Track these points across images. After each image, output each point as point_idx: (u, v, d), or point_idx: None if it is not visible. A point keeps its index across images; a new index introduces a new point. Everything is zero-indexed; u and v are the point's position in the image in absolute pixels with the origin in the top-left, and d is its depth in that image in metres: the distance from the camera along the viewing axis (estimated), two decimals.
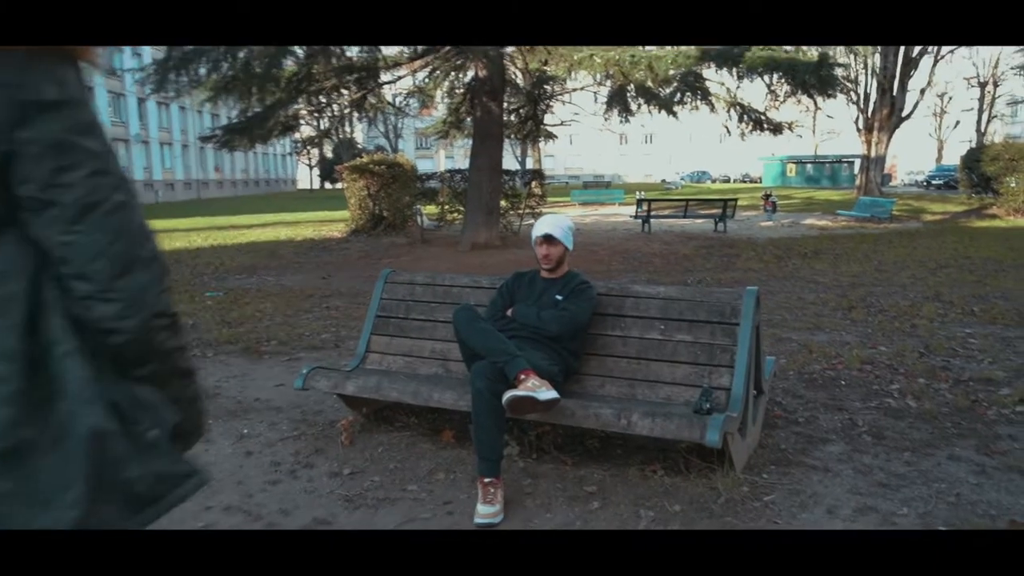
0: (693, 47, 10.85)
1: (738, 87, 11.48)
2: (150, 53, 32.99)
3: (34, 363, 1.00)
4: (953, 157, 60.83)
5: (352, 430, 4.04)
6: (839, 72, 12.07)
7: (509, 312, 3.71)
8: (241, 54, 12.04)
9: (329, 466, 3.74)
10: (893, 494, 3.38)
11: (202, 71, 12.16)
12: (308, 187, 71.28)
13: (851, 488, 3.45)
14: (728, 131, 13.12)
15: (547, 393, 3.16)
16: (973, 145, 32.82)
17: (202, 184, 56.69)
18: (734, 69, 10.81)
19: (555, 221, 3.83)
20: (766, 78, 11.01)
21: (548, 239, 3.75)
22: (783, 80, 10.96)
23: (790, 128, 13.22)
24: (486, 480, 3.15)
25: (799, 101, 11.52)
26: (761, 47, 10.47)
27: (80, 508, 0.98)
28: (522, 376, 3.19)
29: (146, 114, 49.20)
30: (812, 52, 10.84)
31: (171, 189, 51.91)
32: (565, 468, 3.61)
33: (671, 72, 10.84)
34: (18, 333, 0.99)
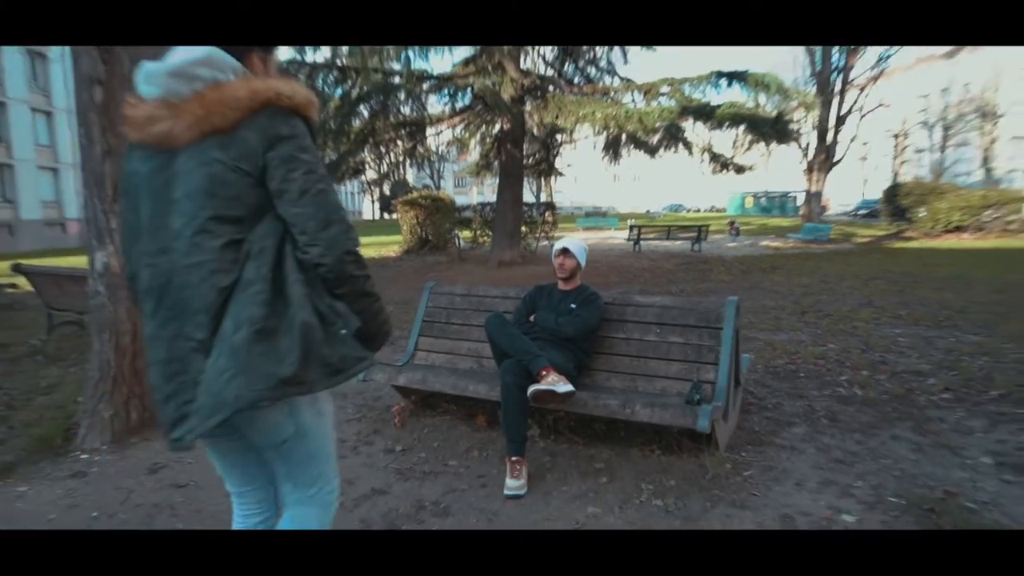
0: (676, 104, 10.68)
1: (711, 137, 11.26)
2: None
3: (278, 285, 1.37)
4: (874, 192, 60.65)
5: (403, 414, 3.87)
6: (793, 126, 11.78)
7: (532, 318, 3.53)
8: (320, 115, 11.98)
9: (385, 444, 3.57)
10: (848, 469, 3.16)
11: None
12: (371, 218, 71.94)
13: (814, 464, 3.22)
14: (702, 171, 12.89)
15: (564, 386, 2.97)
16: (889, 184, 32.23)
17: None
18: (708, 122, 10.61)
19: (573, 240, 3.68)
20: (733, 129, 10.80)
21: (565, 252, 3.59)
22: (747, 131, 10.73)
23: (750, 169, 12.97)
24: (513, 459, 2.97)
25: (762, 147, 11.22)
26: (730, 104, 10.29)
27: (296, 367, 1.32)
28: (543, 372, 3.00)
29: None
30: (772, 111, 10.62)
31: None
32: (578, 447, 3.41)
33: (657, 124, 10.66)
34: (269, 268, 1.37)
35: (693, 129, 12.00)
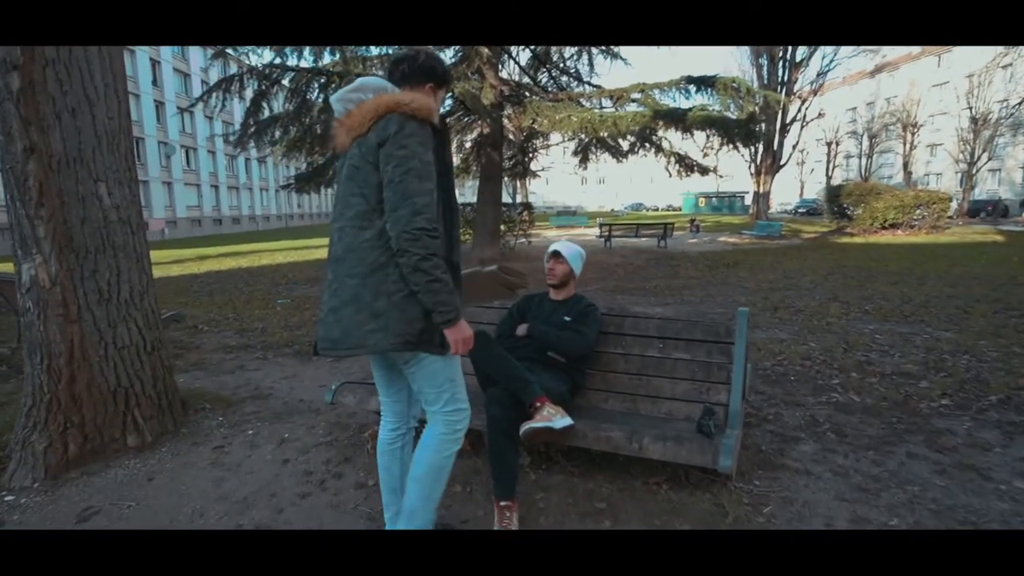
0: (647, 109, 9.98)
1: (683, 139, 10.56)
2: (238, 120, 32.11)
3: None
4: (811, 193, 61.25)
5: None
6: (758, 128, 11.17)
7: (520, 330, 2.79)
8: (306, 120, 11.04)
9: (356, 476, 2.80)
10: (875, 500, 2.50)
11: (276, 133, 11.17)
12: None
13: (836, 494, 2.55)
14: (669, 173, 12.24)
15: (562, 421, 2.25)
16: (827, 185, 32.08)
17: (288, 217, 55.51)
18: (680, 125, 9.91)
19: (567, 244, 2.94)
20: (703, 132, 10.13)
21: (556, 255, 2.87)
22: (718, 134, 10.06)
23: (714, 171, 12.35)
24: (502, 503, 2.23)
25: (732, 149, 10.57)
26: (702, 108, 9.62)
27: (418, 331, 1.71)
28: (537, 404, 2.27)
29: (251, 169, 48.00)
30: (738, 114, 9.97)
31: (267, 221, 50.81)
32: (573, 479, 2.68)
33: (631, 128, 9.95)
34: (375, 238, 1.68)
35: (664, 134, 11.31)
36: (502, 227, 14.90)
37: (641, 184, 75.59)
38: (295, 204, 57.74)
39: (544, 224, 32.43)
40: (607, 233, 17.22)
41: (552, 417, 2.23)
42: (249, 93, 10.55)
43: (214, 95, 9.97)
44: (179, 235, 35.03)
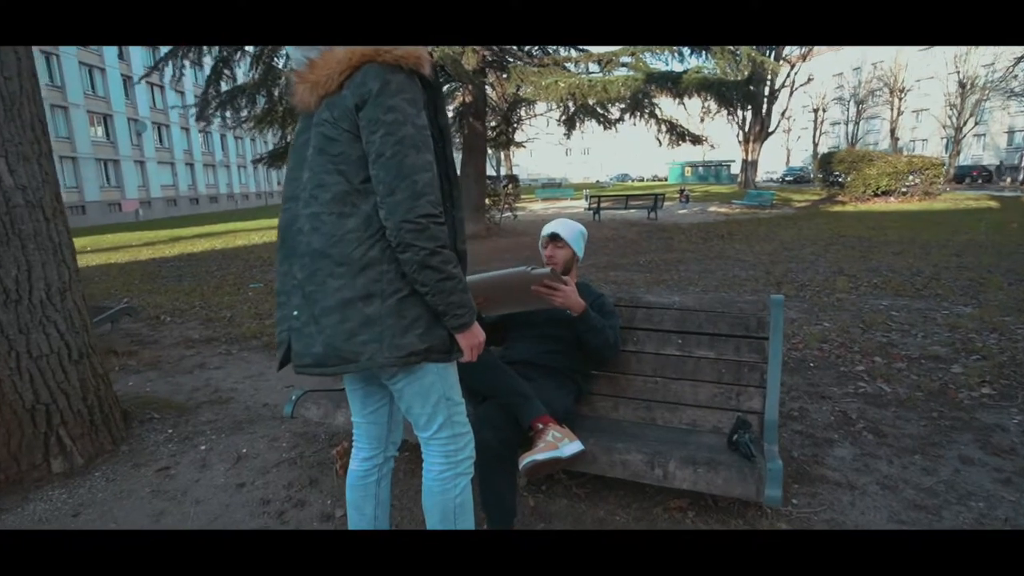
0: (639, 74, 9.40)
1: (677, 104, 10.00)
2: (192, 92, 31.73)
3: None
4: (796, 160, 60.94)
5: (348, 458, 2.65)
6: (755, 89, 10.65)
7: (501, 351, 2.33)
8: (274, 90, 10.32)
9: (321, 505, 2.35)
10: (937, 521, 2.12)
11: (243, 105, 10.44)
12: None
13: (891, 514, 2.16)
14: (660, 142, 11.70)
15: (571, 447, 1.81)
16: (808, 153, 31.69)
17: (268, 195, 54.09)
18: (674, 89, 9.34)
19: (564, 222, 2.42)
20: (698, 97, 9.58)
21: (554, 239, 2.37)
22: (713, 98, 9.51)
23: (705, 140, 11.82)
24: None
25: (729, 114, 10.06)
26: (697, 70, 9.06)
27: (420, 341, 1.34)
28: (539, 425, 1.83)
29: (227, 145, 46.45)
30: (742, 73, 9.43)
31: (247, 199, 49.44)
32: (580, 506, 2.25)
33: (621, 93, 9.37)
34: (362, 227, 1.31)
35: (657, 100, 10.73)
36: (487, 201, 14.33)
37: (626, 154, 74.74)
38: (274, 181, 56.27)
39: (530, 197, 31.77)
40: (596, 205, 16.70)
41: (559, 443, 1.79)
42: (209, 61, 9.78)
43: (170, 63, 9.20)
44: (155, 215, 33.86)
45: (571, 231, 2.37)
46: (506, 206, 15.88)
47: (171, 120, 37.29)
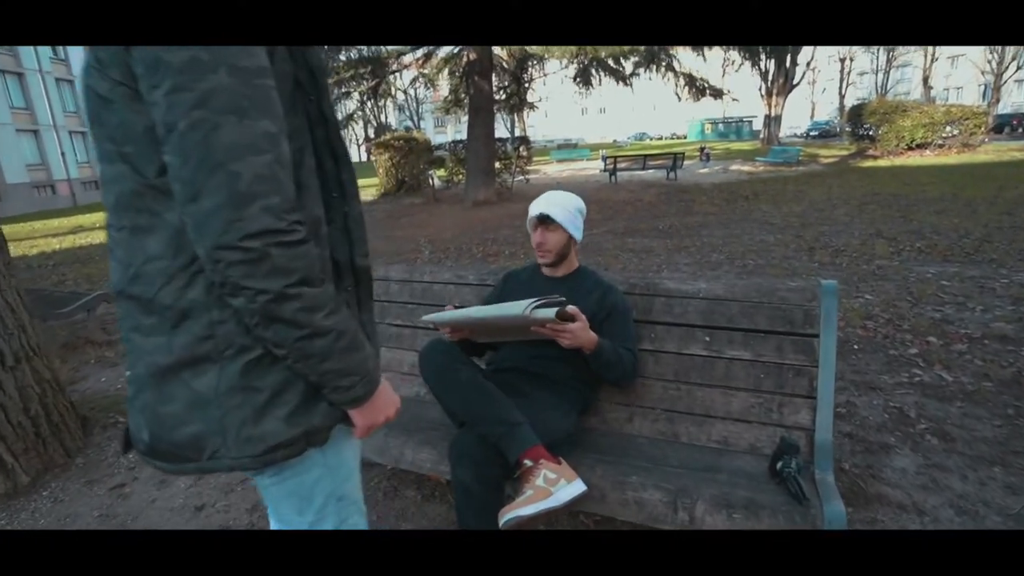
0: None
1: (699, 55, 9.24)
2: None
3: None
4: (821, 115, 58.43)
5: None
6: None
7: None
8: None
9: None
10: None
11: None
12: (357, 160, 68.11)
13: None
14: (679, 97, 10.94)
15: (569, 489, 1.41)
16: (835, 106, 30.16)
17: None
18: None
19: (555, 198, 1.92)
20: (721, 50, 8.84)
21: (543, 221, 1.88)
22: (735, 48, 8.76)
23: (728, 93, 11.03)
24: None
25: (753, 66, 9.30)
26: None
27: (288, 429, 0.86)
28: (526, 460, 1.43)
29: None
30: None
31: None
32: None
33: (635, 45, 8.68)
34: (170, 253, 0.80)
35: (674, 51, 9.96)
36: (497, 165, 13.77)
37: (644, 113, 72.56)
38: None
39: (544, 159, 30.93)
40: (612, 166, 15.98)
41: (552, 487, 1.39)
42: None
43: None
44: None
45: (565, 210, 1.90)
46: (517, 169, 15.28)
47: None
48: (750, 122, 51.83)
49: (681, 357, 1.97)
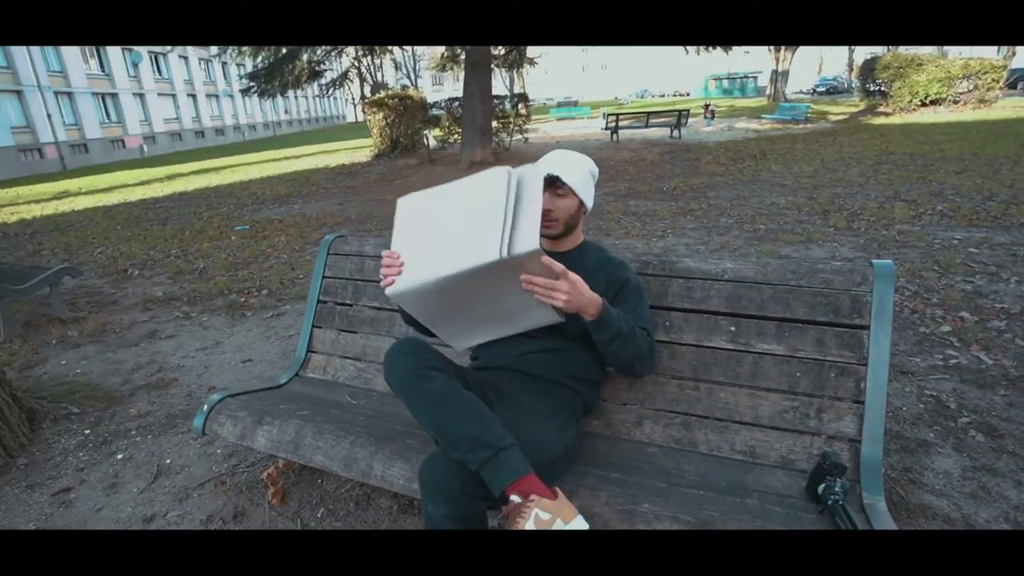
0: None
1: None
2: None
3: None
4: (829, 71, 56.62)
5: (283, 481, 2.03)
6: None
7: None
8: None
9: None
10: None
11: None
12: (354, 120, 66.40)
13: None
14: (686, 50, 10.36)
15: (570, 525, 1.12)
16: (844, 61, 28.91)
17: (276, 124, 52.37)
18: None
19: (566, 158, 1.58)
20: None
21: (551, 183, 1.53)
22: None
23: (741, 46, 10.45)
24: None
25: None
26: None
27: None
28: (513, 497, 1.14)
29: (228, 74, 44.41)
30: None
31: (253, 130, 47.79)
32: None
33: None
34: None
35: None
36: (494, 123, 13.21)
37: (646, 69, 70.56)
38: (281, 110, 54.49)
39: (543, 117, 30.08)
40: (614, 124, 15.39)
41: (551, 527, 1.10)
42: None
43: None
44: (160, 151, 32.86)
45: (577, 171, 1.56)
46: (516, 128, 14.70)
47: (165, 48, 35.51)
48: (755, 78, 50.40)
49: (701, 350, 1.66)
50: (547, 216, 1.57)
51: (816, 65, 60.24)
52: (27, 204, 12.09)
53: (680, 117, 14.52)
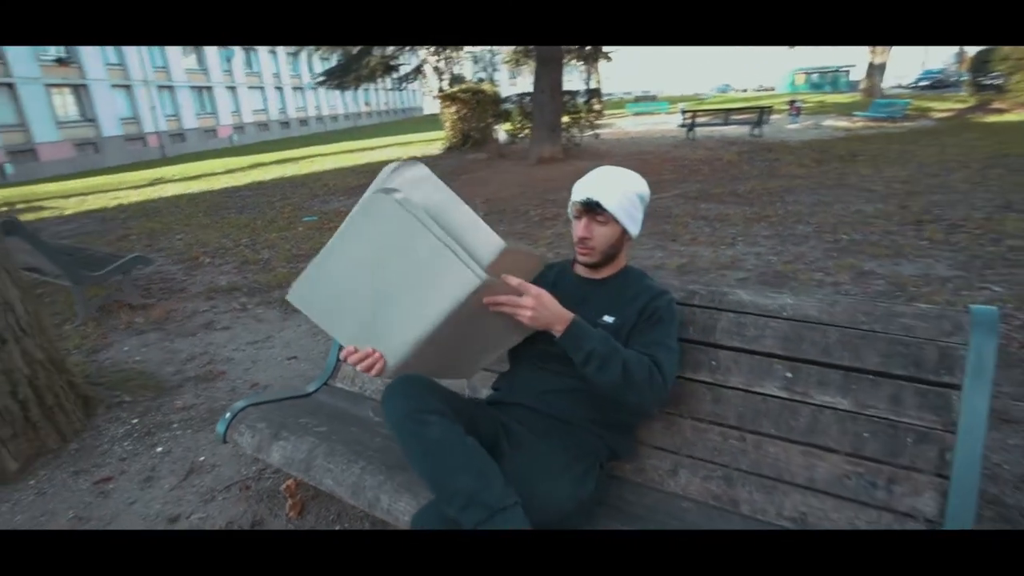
0: None
1: None
2: None
3: None
4: (934, 63, 52.02)
5: (301, 494, 1.98)
6: None
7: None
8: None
9: None
10: None
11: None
12: (432, 112, 67.74)
13: None
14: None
15: None
16: (953, 52, 26.28)
17: (356, 116, 54.20)
18: None
19: (609, 178, 1.40)
20: None
21: (590, 208, 1.39)
22: None
23: None
24: None
25: None
26: None
27: None
28: None
29: (314, 67, 46.33)
30: None
31: (335, 121, 49.75)
32: None
33: None
34: None
35: None
36: (565, 119, 12.97)
37: (727, 63, 67.58)
38: (362, 102, 56.31)
39: (619, 112, 29.39)
40: (690, 120, 14.74)
41: None
42: None
43: None
44: (247, 140, 34.82)
45: (618, 194, 1.38)
46: (587, 124, 14.38)
47: (257, 45, 37.41)
48: (848, 72, 47.14)
49: (750, 396, 1.45)
50: (584, 244, 1.42)
51: (920, 56, 55.60)
52: (127, 190, 13.06)
53: (762, 114, 13.70)
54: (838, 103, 25.35)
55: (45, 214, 10.10)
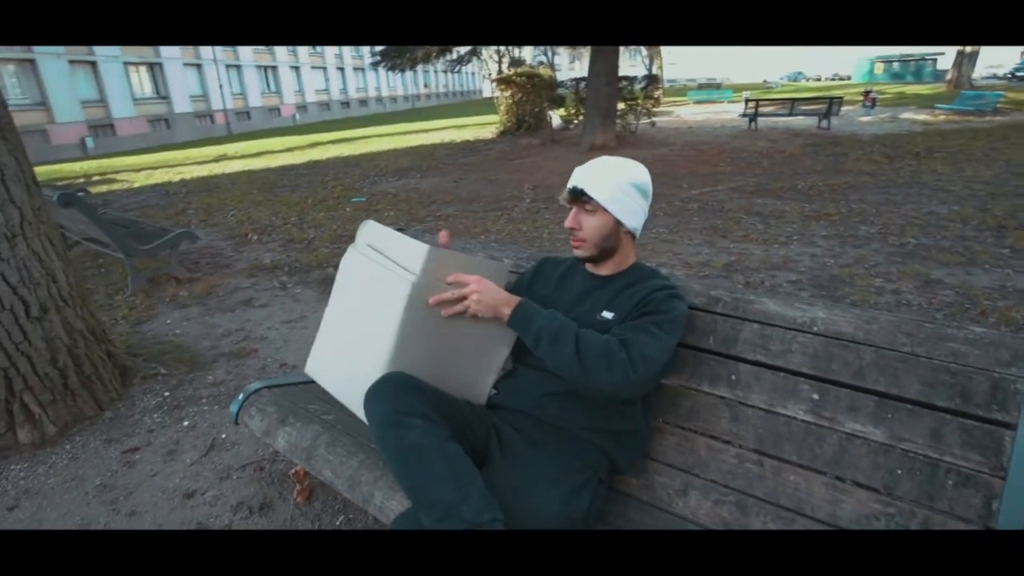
0: None
1: None
2: None
3: None
4: None
5: (309, 480, 1.98)
6: None
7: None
8: None
9: None
10: None
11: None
12: (489, 95, 67.67)
13: None
14: None
15: None
16: None
17: (415, 97, 54.81)
18: None
19: (599, 166, 1.32)
20: None
21: (576, 197, 1.31)
22: None
23: None
24: None
25: None
26: None
27: None
28: None
29: (374, 48, 47.15)
30: None
31: (394, 102, 50.50)
32: None
33: None
34: None
35: None
36: (621, 105, 12.64)
37: (800, 50, 64.24)
38: (421, 84, 56.82)
39: (680, 99, 28.50)
40: (752, 110, 14.07)
41: None
42: None
43: None
44: (309, 119, 35.80)
45: (609, 183, 1.29)
46: (644, 111, 13.97)
47: None
48: (934, 60, 43.88)
49: (771, 417, 1.33)
50: (573, 235, 1.35)
51: (1018, 47, 51.29)
52: (191, 165, 13.64)
53: (831, 104, 12.93)
54: (920, 94, 23.72)
55: (116, 186, 10.67)
